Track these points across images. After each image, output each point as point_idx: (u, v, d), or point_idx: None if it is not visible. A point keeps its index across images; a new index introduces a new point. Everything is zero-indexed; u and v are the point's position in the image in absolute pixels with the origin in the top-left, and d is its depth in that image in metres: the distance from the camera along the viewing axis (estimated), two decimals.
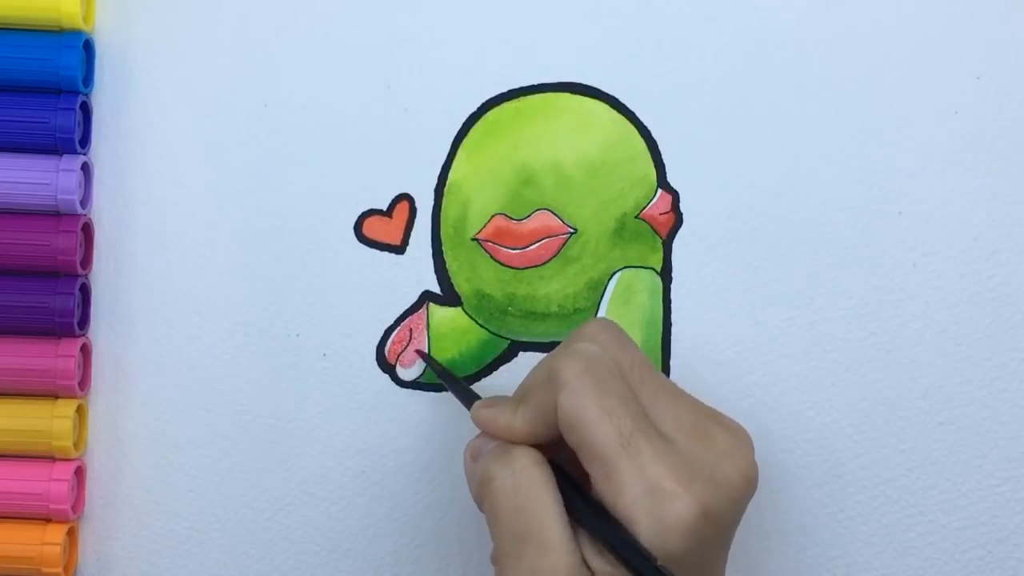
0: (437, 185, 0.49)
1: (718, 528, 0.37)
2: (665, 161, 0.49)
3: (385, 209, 0.49)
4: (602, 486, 0.37)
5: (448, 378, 0.47)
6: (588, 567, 0.37)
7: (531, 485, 0.38)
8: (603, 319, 0.43)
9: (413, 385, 0.49)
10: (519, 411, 0.40)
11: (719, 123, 0.48)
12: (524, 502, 0.38)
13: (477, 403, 0.42)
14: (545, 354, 0.48)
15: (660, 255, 0.49)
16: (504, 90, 0.49)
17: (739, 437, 0.40)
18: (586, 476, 0.38)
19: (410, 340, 0.49)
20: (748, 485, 0.39)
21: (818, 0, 0.48)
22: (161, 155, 0.49)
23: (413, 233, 0.49)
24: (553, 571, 0.37)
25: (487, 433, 0.41)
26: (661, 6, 0.49)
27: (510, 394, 0.48)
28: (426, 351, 0.48)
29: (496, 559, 0.39)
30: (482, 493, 0.39)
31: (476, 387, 0.48)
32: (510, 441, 0.40)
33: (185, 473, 0.49)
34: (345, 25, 0.49)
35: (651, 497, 0.36)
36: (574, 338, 0.41)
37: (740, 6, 0.48)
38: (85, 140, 0.48)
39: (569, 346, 0.40)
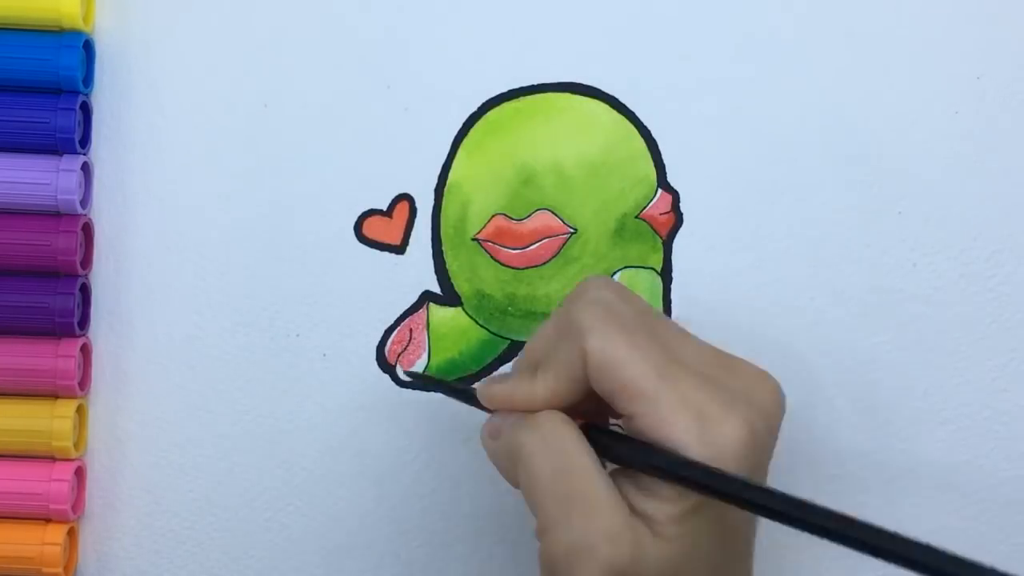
0: (437, 185, 0.49)
1: (761, 451, 0.37)
2: (665, 161, 0.49)
3: (385, 209, 0.49)
4: (646, 422, 0.36)
5: (444, 387, 0.46)
6: (638, 515, 0.37)
7: (564, 444, 0.37)
8: (601, 276, 0.42)
9: (413, 385, 0.49)
10: (539, 376, 0.39)
11: (719, 123, 0.48)
12: (561, 464, 0.37)
13: (481, 383, 0.41)
14: None
15: (660, 255, 0.49)
16: (504, 90, 0.49)
17: (760, 368, 0.39)
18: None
19: (410, 340, 0.49)
20: (780, 409, 0.39)
21: (818, 0, 0.48)
22: (161, 155, 0.49)
23: (413, 233, 0.49)
24: (606, 531, 0.36)
25: (505, 408, 0.40)
26: (661, 6, 0.49)
27: None
28: (418, 368, 0.48)
29: (542, 530, 0.37)
30: (515, 465, 0.38)
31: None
32: (531, 410, 0.39)
33: (185, 473, 0.49)
34: (345, 25, 0.49)
35: (699, 422, 0.36)
36: (578, 294, 0.40)
37: (740, 6, 0.48)
38: (85, 140, 0.48)
39: (577, 301, 0.39)
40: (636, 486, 0.37)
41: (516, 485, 0.39)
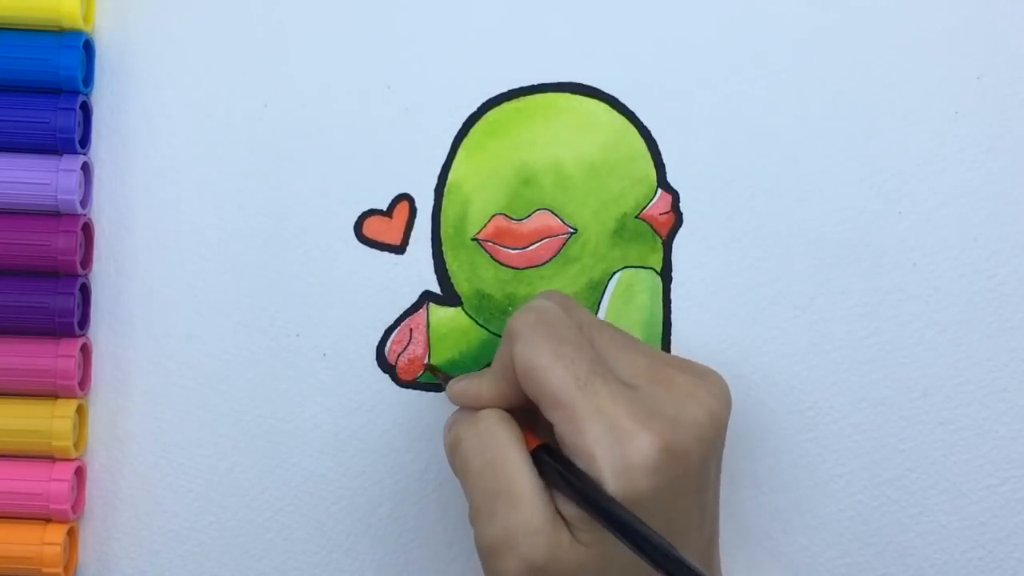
0: (437, 185, 0.49)
1: (685, 467, 0.37)
2: (665, 161, 0.49)
3: (385, 209, 0.49)
4: (563, 429, 0.37)
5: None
6: (561, 516, 0.38)
7: (496, 441, 0.39)
8: (553, 290, 0.44)
9: (413, 385, 0.49)
10: (486, 376, 0.41)
11: (719, 123, 0.48)
12: (491, 458, 0.39)
13: (451, 380, 0.43)
14: None
15: (660, 255, 0.49)
16: (504, 90, 0.49)
17: (705, 377, 0.40)
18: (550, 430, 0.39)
19: (410, 340, 0.49)
20: (715, 421, 0.39)
21: (818, 0, 0.48)
22: (161, 155, 0.49)
23: (413, 233, 0.49)
24: (526, 524, 0.37)
25: (460, 405, 0.42)
26: (661, 6, 0.49)
27: None
28: (428, 360, 0.48)
29: (472, 519, 0.40)
30: (453, 456, 0.40)
31: None
32: (481, 408, 0.41)
33: (185, 473, 0.49)
34: (345, 25, 0.49)
35: (611, 435, 0.37)
36: (526, 302, 0.42)
37: (740, 6, 0.48)
38: (85, 140, 0.48)
39: (519, 307, 0.41)
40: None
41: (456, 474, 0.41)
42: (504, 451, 0.39)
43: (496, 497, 0.38)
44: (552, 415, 0.38)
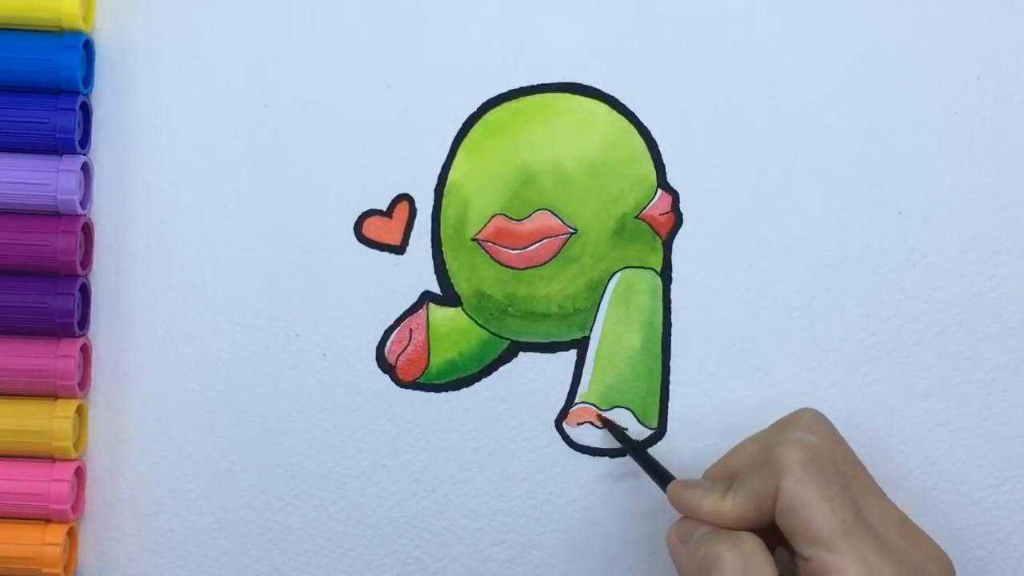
0: (437, 185, 0.49)
1: None
2: (665, 161, 0.49)
3: (385, 209, 0.49)
4: (820, 568, 0.38)
5: (637, 451, 0.47)
6: None
7: (759, 569, 0.39)
8: (814, 411, 0.44)
9: (413, 385, 0.49)
10: (729, 495, 0.41)
11: (719, 123, 0.48)
12: None
13: (674, 484, 0.43)
14: (541, 354, 0.48)
15: (660, 255, 0.49)
16: (504, 90, 0.49)
17: (937, 546, 0.41)
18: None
19: (410, 340, 0.49)
20: None
21: (818, 1, 0.48)
22: (161, 155, 0.49)
23: (413, 233, 0.49)
24: None
25: (689, 515, 0.42)
26: (661, 6, 0.49)
27: (511, 394, 0.48)
28: (602, 415, 0.48)
29: None
30: (706, 572, 0.40)
31: (476, 387, 0.48)
32: (715, 524, 0.41)
33: (185, 473, 0.49)
34: (345, 25, 0.49)
35: None
36: (788, 425, 0.43)
37: (740, 6, 0.48)
38: (85, 140, 0.48)
39: (785, 433, 0.42)
40: None
41: None
42: None
43: None
44: (811, 552, 0.39)
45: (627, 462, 0.48)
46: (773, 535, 0.40)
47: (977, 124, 0.48)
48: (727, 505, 0.41)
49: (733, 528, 0.41)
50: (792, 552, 0.40)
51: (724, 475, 0.43)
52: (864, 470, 0.42)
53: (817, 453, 0.40)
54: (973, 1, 0.48)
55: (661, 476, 0.44)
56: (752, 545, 0.39)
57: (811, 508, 0.39)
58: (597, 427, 0.48)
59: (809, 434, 0.41)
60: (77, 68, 0.47)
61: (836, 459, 0.41)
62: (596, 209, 0.48)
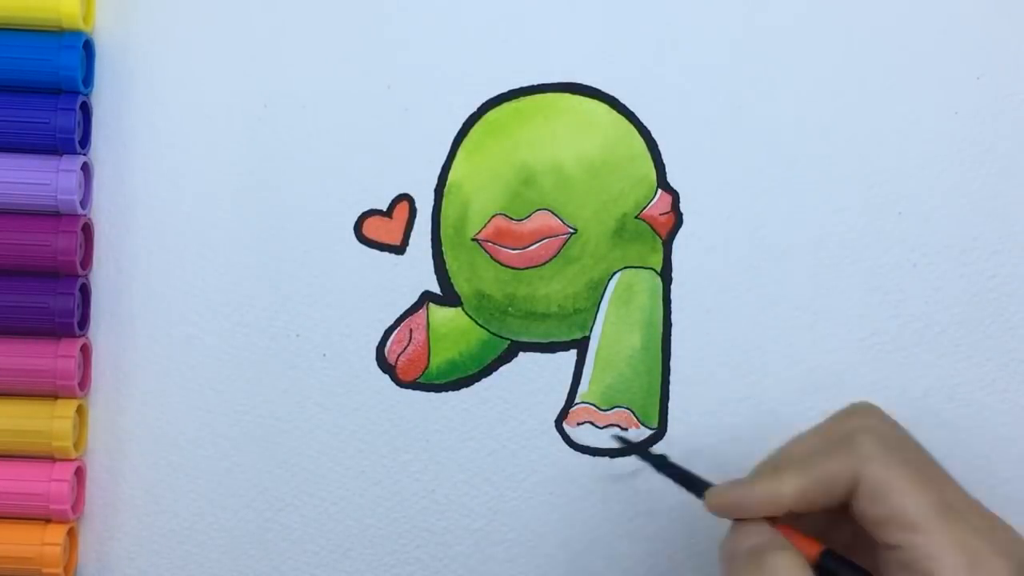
0: (437, 185, 0.49)
1: None
2: (665, 161, 0.49)
3: (385, 209, 0.49)
4: (913, 554, 0.37)
5: (672, 470, 0.44)
6: None
7: None
8: (871, 404, 0.42)
9: (413, 385, 0.49)
10: (787, 477, 0.39)
11: (719, 123, 0.48)
12: None
13: (713, 489, 0.41)
14: (541, 354, 0.48)
15: (660, 255, 0.49)
16: (504, 90, 0.49)
17: (1013, 529, 0.40)
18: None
19: (410, 340, 0.49)
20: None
21: (818, 0, 0.48)
22: (161, 155, 0.49)
23: (413, 233, 0.49)
24: None
25: (736, 514, 0.40)
26: (661, 6, 0.49)
27: (511, 394, 0.48)
28: (626, 437, 0.48)
29: None
30: None
31: (476, 387, 0.48)
32: (768, 513, 0.39)
33: (185, 473, 0.49)
34: (345, 25, 0.49)
35: (971, 566, 0.37)
36: (851, 416, 0.41)
37: (740, 6, 0.48)
38: (85, 140, 0.48)
39: (853, 421, 0.40)
40: None
41: None
42: None
43: None
44: (901, 538, 0.37)
45: (627, 462, 0.48)
46: (813, 525, 0.39)
47: (977, 124, 0.48)
48: (786, 487, 0.39)
49: (787, 510, 0.39)
50: (851, 545, 0.39)
51: (776, 463, 0.40)
52: (932, 457, 0.41)
53: (897, 438, 0.39)
54: (973, 1, 0.48)
55: (694, 484, 0.42)
56: (776, 562, 0.37)
57: (900, 493, 0.38)
58: (598, 427, 0.48)
59: (880, 422, 0.40)
60: (77, 68, 0.47)
61: (912, 445, 0.40)
62: (596, 209, 0.48)
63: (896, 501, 0.38)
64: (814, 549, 0.39)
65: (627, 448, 0.48)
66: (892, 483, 0.38)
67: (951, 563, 0.37)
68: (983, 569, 0.37)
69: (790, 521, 0.40)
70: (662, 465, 0.44)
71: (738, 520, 0.40)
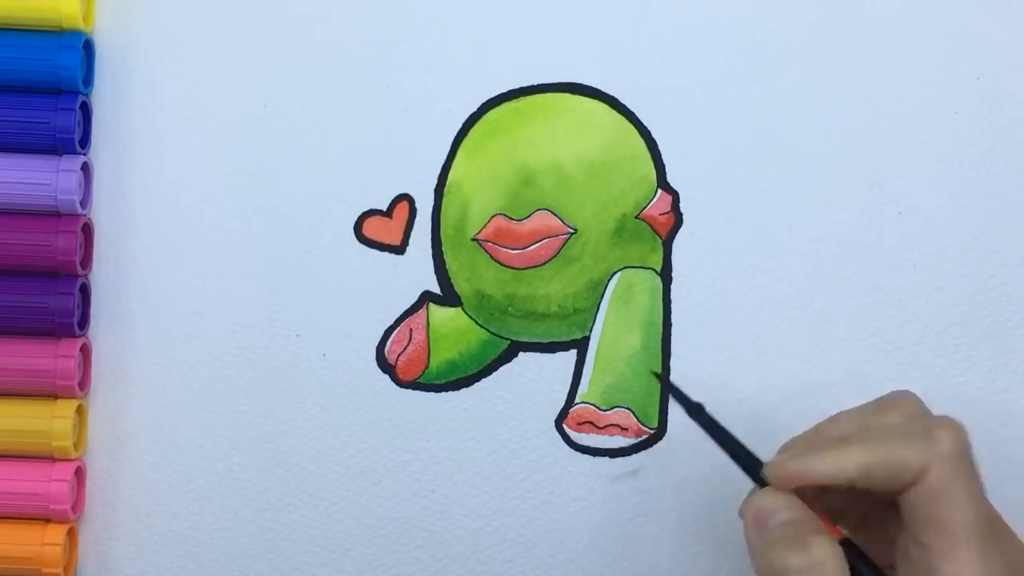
0: (437, 185, 0.49)
1: None
2: (665, 161, 0.49)
3: (385, 209, 0.49)
4: (934, 561, 0.37)
5: (727, 441, 0.41)
6: None
7: None
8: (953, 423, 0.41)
9: (413, 385, 0.49)
10: (852, 453, 0.38)
11: (719, 123, 0.48)
12: None
13: (774, 459, 0.40)
14: (541, 354, 0.48)
15: (660, 255, 0.49)
16: (504, 90, 0.49)
17: None
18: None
19: (410, 340, 0.49)
20: None
21: (818, 0, 0.48)
22: (161, 155, 0.49)
23: (413, 233, 0.49)
24: None
25: (801, 479, 0.39)
26: (661, 7, 0.49)
27: (511, 394, 0.48)
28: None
29: None
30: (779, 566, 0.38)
31: (476, 387, 0.48)
32: (831, 484, 0.39)
33: (185, 473, 0.49)
34: (345, 25, 0.49)
35: None
36: (927, 415, 0.41)
37: (740, 6, 0.48)
38: (85, 140, 0.48)
39: (936, 421, 0.40)
40: None
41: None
42: None
43: None
44: (934, 542, 0.38)
45: (627, 462, 0.48)
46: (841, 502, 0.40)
47: (977, 124, 0.48)
48: (850, 462, 0.38)
49: (839, 484, 0.38)
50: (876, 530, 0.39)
51: (843, 435, 0.40)
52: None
53: (970, 455, 0.39)
54: (973, 1, 0.48)
55: (737, 452, 0.40)
56: (825, 555, 0.37)
57: (956, 504, 0.37)
58: (598, 428, 0.48)
59: (962, 432, 0.39)
60: (77, 68, 0.47)
61: (977, 470, 0.39)
62: (596, 209, 0.48)
63: (947, 508, 0.38)
64: (835, 536, 0.39)
65: (667, 387, 0.46)
66: (954, 490, 0.38)
67: None
68: None
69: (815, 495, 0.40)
70: (719, 435, 0.42)
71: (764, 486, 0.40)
